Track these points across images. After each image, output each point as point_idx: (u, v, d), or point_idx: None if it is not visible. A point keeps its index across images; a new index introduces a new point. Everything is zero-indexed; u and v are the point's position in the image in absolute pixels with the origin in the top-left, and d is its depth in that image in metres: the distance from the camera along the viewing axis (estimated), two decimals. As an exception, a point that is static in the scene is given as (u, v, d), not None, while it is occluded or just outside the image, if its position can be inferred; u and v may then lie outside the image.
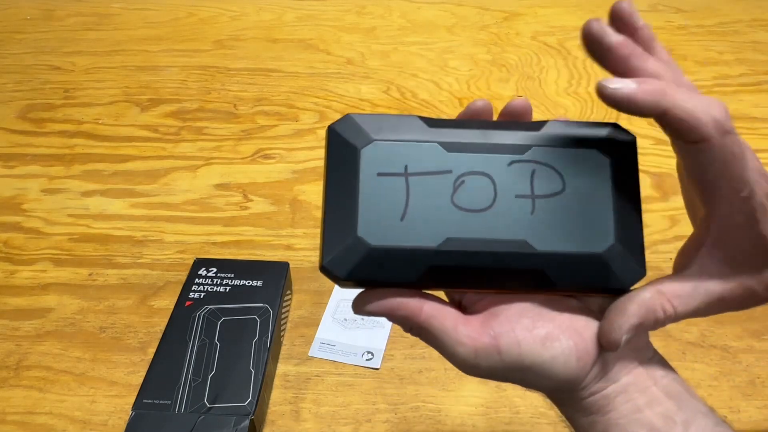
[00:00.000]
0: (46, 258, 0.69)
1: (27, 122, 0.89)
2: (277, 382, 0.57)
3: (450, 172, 0.31)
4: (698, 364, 0.58)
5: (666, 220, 0.72)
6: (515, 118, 0.35)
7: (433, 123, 0.32)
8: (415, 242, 0.30)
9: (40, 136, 0.87)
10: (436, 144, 0.32)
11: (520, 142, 0.32)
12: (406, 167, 0.31)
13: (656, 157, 0.80)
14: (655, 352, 0.35)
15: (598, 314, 0.34)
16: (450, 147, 0.32)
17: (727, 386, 0.56)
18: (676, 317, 0.32)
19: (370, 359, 0.58)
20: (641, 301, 0.32)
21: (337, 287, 0.62)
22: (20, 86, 0.96)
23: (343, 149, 0.32)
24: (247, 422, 0.48)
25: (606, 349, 0.32)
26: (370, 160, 0.31)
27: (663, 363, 0.34)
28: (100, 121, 0.89)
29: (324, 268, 0.31)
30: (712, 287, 0.32)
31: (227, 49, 1.05)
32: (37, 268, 0.68)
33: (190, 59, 1.03)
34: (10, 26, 1.12)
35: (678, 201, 0.74)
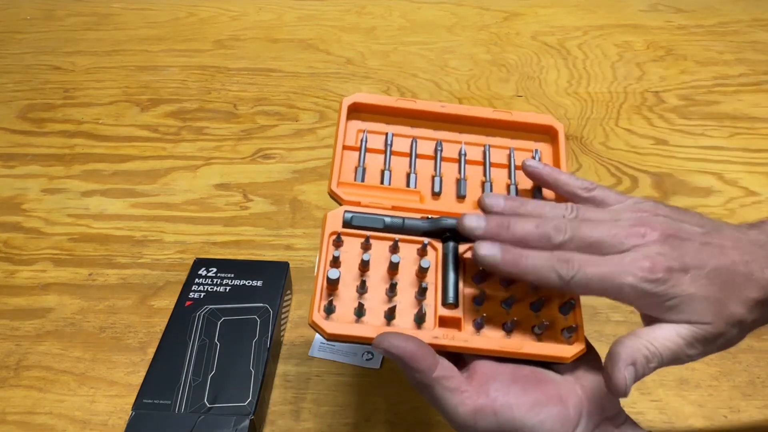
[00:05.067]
0: (46, 258, 0.69)
1: (27, 122, 0.89)
2: (277, 382, 0.57)
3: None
4: (698, 364, 0.58)
5: (666, 220, 0.72)
6: None
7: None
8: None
9: (40, 136, 0.87)
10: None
11: None
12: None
13: (656, 157, 0.80)
14: (627, 417, 0.39)
15: (581, 385, 0.38)
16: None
17: (727, 386, 0.56)
18: (662, 359, 0.36)
19: (370, 359, 0.58)
20: (626, 344, 0.36)
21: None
22: (20, 86, 0.97)
23: None
24: (247, 422, 0.48)
25: (616, 395, 0.36)
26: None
27: (635, 427, 0.39)
28: (100, 121, 0.89)
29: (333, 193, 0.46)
30: (681, 329, 0.36)
31: (227, 49, 1.05)
32: (37, 268, 0.68)
33: (190, 59, 1.03)
34: (10, 26, 1.12)
35: (678, 201, 0.74)
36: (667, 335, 0.36)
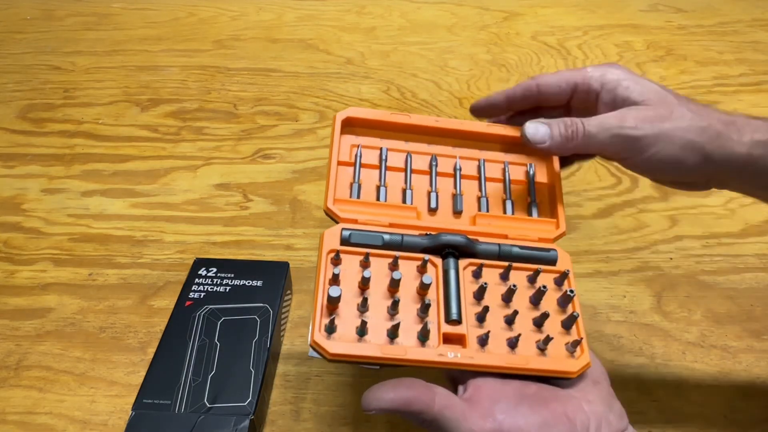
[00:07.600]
0: (46, 258, 0.69)
1: (27, 122, 0.89)
2: (277, 382, 0.57)
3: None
4: (698, 364, 0.58)
5: (666, 220, 0.72)
6: None
7: None
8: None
9: (40, 136, 0.87)
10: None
11: None
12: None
13: (656, 157, 0.80)
14: (628, 425, 0.39)
15: (587, 401, 0.38)
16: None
17: (727, 386, 0.56)
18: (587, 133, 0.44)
19: (370, 359, 0.58)
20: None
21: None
22: (20, 86, 0.97)
23: None
24: (247, 422, 0.48)
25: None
26: None
27: None
28: (100, 121, 0.89)
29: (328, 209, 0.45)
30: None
31: (227, 49, 1.05)
32: (37, 268, 0.68)
33: (190, 59, 1.03)
34: (10, 26, 1.12)
35: (678, 201, 0.74)
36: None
